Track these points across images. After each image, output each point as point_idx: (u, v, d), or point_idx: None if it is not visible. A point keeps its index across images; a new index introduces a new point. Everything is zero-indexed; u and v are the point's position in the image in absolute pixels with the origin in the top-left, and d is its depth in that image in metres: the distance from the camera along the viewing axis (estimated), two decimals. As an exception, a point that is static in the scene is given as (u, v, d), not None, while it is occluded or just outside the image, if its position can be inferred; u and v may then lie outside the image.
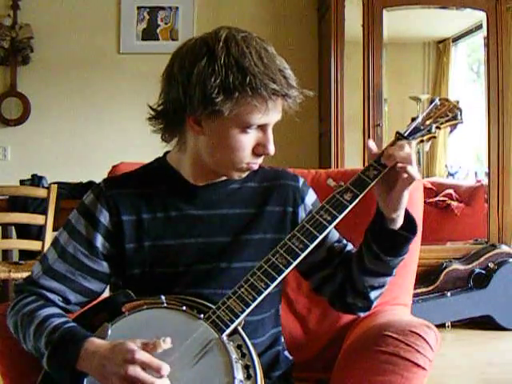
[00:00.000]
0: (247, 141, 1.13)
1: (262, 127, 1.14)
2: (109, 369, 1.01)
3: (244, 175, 1.21)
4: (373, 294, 1.26)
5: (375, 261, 1.19)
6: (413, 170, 1.08)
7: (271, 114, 1.12)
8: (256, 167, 1.19)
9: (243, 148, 1.13)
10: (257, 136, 1.14)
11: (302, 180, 1.33)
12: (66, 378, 1.07)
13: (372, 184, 1.13)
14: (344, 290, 1.26)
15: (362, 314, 1.33)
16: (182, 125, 1.17)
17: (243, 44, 1.10)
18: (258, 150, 1.15)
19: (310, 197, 1.32)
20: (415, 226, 1.17)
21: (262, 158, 1.18)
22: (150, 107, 1.20)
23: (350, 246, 1.31)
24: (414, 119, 1.20)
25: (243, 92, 1.07)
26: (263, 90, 1.07)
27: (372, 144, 1.17)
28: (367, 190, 1.13)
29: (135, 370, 0.99)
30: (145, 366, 1.00)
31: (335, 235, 1.31)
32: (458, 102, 1.23)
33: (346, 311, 1.33)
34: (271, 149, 1.15)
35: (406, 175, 1.09)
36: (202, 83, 1.08)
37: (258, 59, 1.09)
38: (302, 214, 1.29)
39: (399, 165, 1.08)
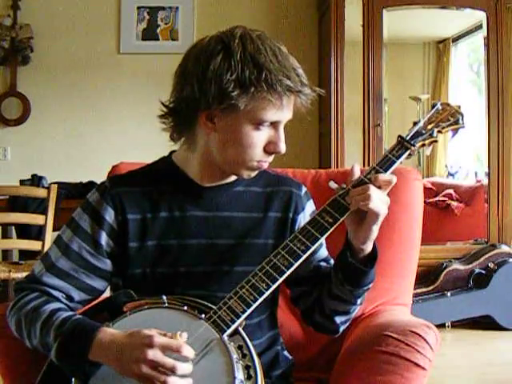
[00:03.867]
0: (259, 138, 1.14)
1: (274, 125, 1.14)
2: (127, 355, 1.00)
3: (253, 174, 1.21)
4: (338, 319, 1.26)
5: (340, 287, 1.19)
6: (375, 206, 1.07)
7: (285, 111, 1.13)
8: (266, 166, 1.19)
9: (255, 145, 1.14)
10: (268, 134, 1.14)
11: (304, 189, 1.34)
12: (78, 368, 1.07)
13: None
14: (314, 308, 1.27)
15: (330, 336, 1.33)
16: (192, 122, 1.17)
17: (258, 41, 1.11)
18: (270, 147, 1.15)
19: (309, 207, 1.33)
20: (375, 257, 1.17)
21: (273, 156, 1.18)
22: (163, 103, 1.20)
23: None
24: (415, 123, 1.20)
25: (259, 87, 1.08)
26: (278, 86, 1.08)
27: (356, 169, 1.16)
28: None
29: (155, 354, 0.99)
30: (164, 349, 0.99)
31: (324, 253, 1.32)
32: (459, 107, 1.23)
33: (315, 329, 1.33)
34: (282, 147, 1.15)
35: (369, 211, 1.08)
36: (218, 78, 1.09)
37: (273, 56, 1.10)
38: (300, 222, 1.28)
39: (361, 203, 1.08)
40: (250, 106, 1.10)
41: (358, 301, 1.23)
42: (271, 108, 1.11)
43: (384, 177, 1.11)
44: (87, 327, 1.08)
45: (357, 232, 1.13)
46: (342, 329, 1.29)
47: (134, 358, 1.00)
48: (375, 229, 1.12)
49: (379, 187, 1.10)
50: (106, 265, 1.22)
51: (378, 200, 1.08)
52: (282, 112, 1.12)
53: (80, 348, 1.06)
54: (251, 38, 1.11)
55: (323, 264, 1.30)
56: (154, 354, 0.99)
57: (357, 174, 1.15)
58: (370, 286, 1.21)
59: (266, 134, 1.14)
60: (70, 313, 1.15)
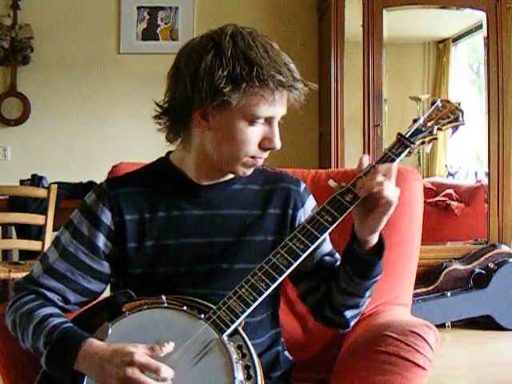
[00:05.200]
0: (254, 134, 1.14)
1: (269, 121, 1.14)
2: (108, 371, 1.02)
3: (249, 172, 1.20)
4: (348, 313, 1.26)
5: (348, 281, 1.19)
6: (389, 193, 1.07)
7: (278, 106, 1.13)
8: (261, 162, 1.19)
9: (249, 141, 1.14)
10: (263, 130, 1.15)
11: (303, 185, 1.34)
12: (65, 378, 1.08)
13: None
14: (323, 303, 1.27)
15: (340, 331, 1.32)
16: (187, 122, 1.18)
17: (249, 38, 1.12)
18: (264, 143, 1.15)
19: (310, 202, 1.33)
20: (383, 248, 1.17)
21: (268, 152, 1.18)
22: (157, 104, 1.20)
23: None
24: (415, 121, 1.20)
25: (251, 83, 1.08)
26: (270, 81, 1.09)
27: (365, 159, 1.16)
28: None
29: (133, 372, 0.99)
30: (143, 369, 1.00)
31: (328, 248, 1.31)
32: (459, 104, 1.23)
33: (324, 324, 1.32)
34: (277, 142, 1.15)
35: (383, 200, 1.08)
36: (210, 75, 1.09)
37: (264, 52, 1.11)
38: (301, 218, 1.28)
39: (374, 190, 1.08)
40: (242, 102, 1.10)
41: (367, 293, 1.23)
42: (264, 104, 1.11)
43: (382, 167, 1.11)
44: (74, 338, 1.09)
45: (364, 223, 1.13)
46: (352, 323, 1.28)
47: (114, 374, 1.01)
48: (384, 219, 1.11)
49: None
50: (103, 267, 1.22)
51: (391, 187, 1.08)
52: (274, 107, 1.12)
53: (66, 358, 1.07)
54: (242, 35, 1.12)
55: (327, 258, 1.30)
56: (132, 373, 0.99)
57: (366, 163, 1.14)
58: (379, 277, 1.21)
59: (261, 130, 1.14)
60: (61, 320, 1.15)
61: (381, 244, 1.17)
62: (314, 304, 1.30)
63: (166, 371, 1.01)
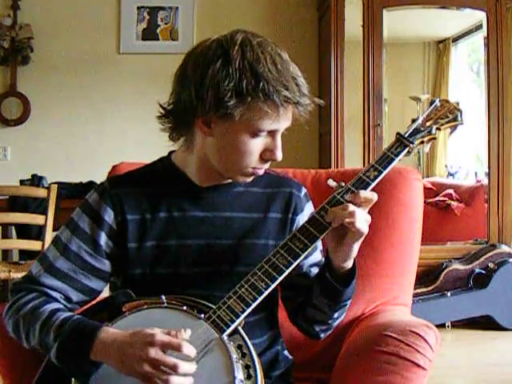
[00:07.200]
0: (255, 146, 1.13)
1: (271, 133, 1.13)
2: (129, 354, 1.00)
3: (249, 180, 1.20)
4: (317, 327, 1.27)
5: (319, 298, 1.21)
6: (360, 225, 1.08)
7: (282, 121, 1.12)
8: (261, 172, 1.19)
9: (251, 153, 1.13)
10: (265, 141, 1.14)
11: (304, 190, 1.34)
12: (78, 368, 1.06)
13: (375, 183, 1.13)
14: (298, 312, 1.28)
15: (312, 339, 1.33)
16: (190, 125, 1.17)
17: (258, 49, 1.10)
18: (266, 155, 1.15)
19: (309, 209, 1.33)
20: (354, 274, 1.17)
21: (269, 163, 1.18)
22: (161, 105, 1.20)
23: None
24: (414, 120, 1.20)
25: (255, 97, 1.07)
26: (275, 97, 1.07)
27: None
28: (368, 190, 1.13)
29: (156, 352, 0.99)
30: (165, 347, 0.99)
31: (317, 257, 1.32)
32: (458, 104, 1.23)
33: (299, 331, 1.34)
34: (279, 155, 1.15)
35: (354, 229, 1.08)
36: (216, 86, 1.08)
37: (272, 65, 1.09)
38: (299, 223, 1.28)
39: (347, 220, 1.08)
40: (245, 116, 1.09)
41: (336, 314, 1.24)
42: (268, 118, 1.09)
43: (365, 194, 1.11)
44: (88, 327, 1.08)
45: (337, 250, 1.14)
46: (322, 335, 1.30)
47: (136, 356, 0.99)
48: (356, 247, 1.12)
49: (359, 205, 1.10)
50: (105, 265, 1.22)
51: (363, 217, 1.08)
52: (278, 122, 1.11)
53: (81, 348, 1.06)
54: (251, 46, 1.10)
55: (314, 270, 1.30)
56: (155, 353, 0.99)
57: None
58: (349, 302, 1.23)
59: (263, 142, 1.14)
60: (70, 313, 1.15)
61: (353, 271, 1.17)
62: (292, 310, 1.31)
63: (189, 348, 1.00)
